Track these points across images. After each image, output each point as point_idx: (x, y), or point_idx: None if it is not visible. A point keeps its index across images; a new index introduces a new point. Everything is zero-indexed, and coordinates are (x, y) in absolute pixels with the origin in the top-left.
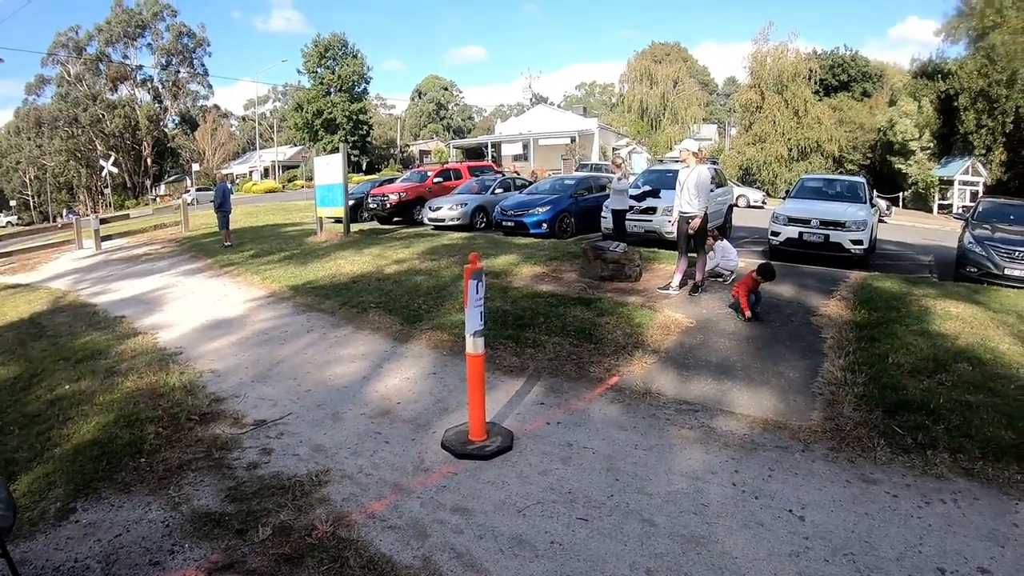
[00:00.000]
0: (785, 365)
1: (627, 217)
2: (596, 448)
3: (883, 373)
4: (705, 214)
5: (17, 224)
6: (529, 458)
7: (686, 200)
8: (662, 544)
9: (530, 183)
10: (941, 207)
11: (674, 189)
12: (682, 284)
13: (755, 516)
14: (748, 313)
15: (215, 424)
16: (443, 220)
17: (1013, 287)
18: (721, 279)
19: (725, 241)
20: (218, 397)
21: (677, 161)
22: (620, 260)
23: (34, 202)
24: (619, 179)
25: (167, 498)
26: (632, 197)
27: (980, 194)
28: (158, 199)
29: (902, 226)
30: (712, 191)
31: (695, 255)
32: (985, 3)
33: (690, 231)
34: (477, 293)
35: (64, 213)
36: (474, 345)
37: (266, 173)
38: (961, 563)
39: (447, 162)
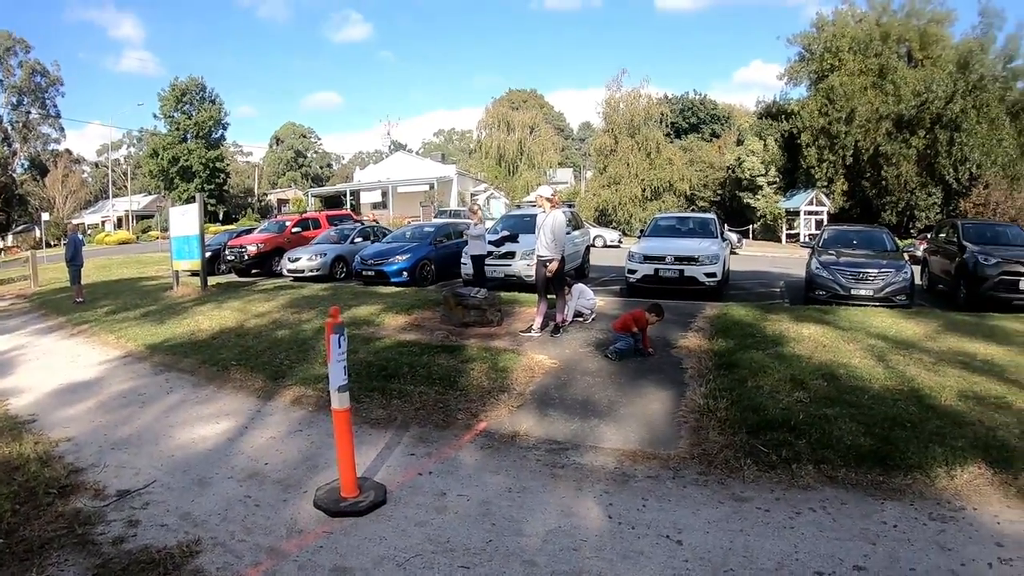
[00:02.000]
0: (649, 397)
1: (486, 262)
2: (470, 495)
3: (744, 396)
4: (562, 257)
5: None
6: (404, 510)
7: (543, 244)
8: None
9: (389, 231)
10: (789, 236)
11: (532, 233)
12: (543, 326)
13: (634, 546)
14: (651, 350)
15: (76, 497)
16: (303, 271)
17: (860, 306)
18: (581, 319)
19: (580, 284)
20: (77, 467)
21: (534, 206)
22: (481, 305)
23: None
24: (475, 225)
25: None
26: (491, 242)
27: (824, 222)
28: (3, 251)
29: (753, 256)
30: (569, 233)
31: (554, 297)
32: (825, 48)
33: (548, 274)
34: (340, 347)
35: None
36: (339, 400)
37: (120, 223)
38: (837, 564)
39: (305, 211)
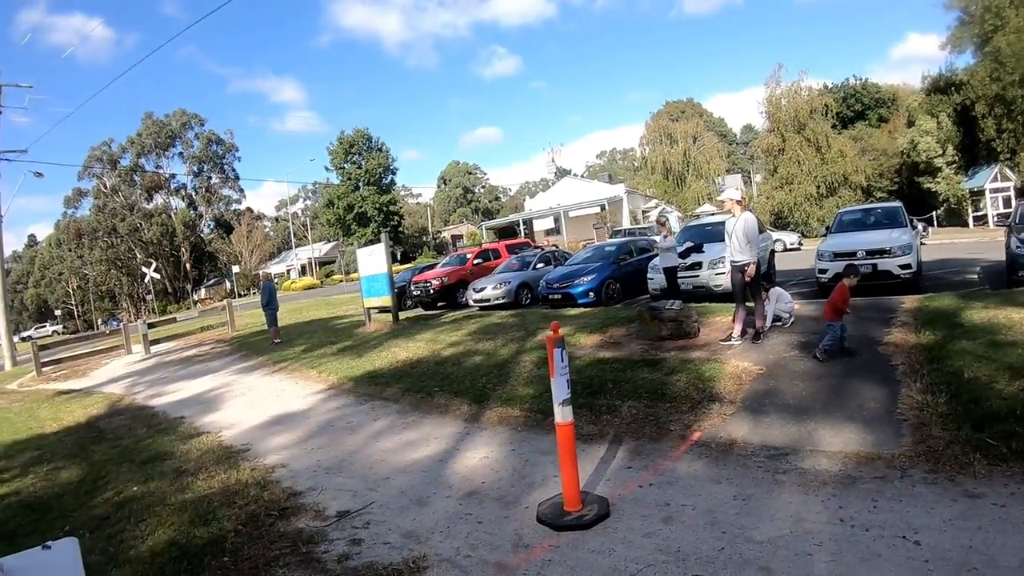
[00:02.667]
0: (863, 397)
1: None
2: (694, 504)
3: (963, 389)
4: (758, 260)
5: (63, 332)
6: (629, 522)
7: (736, 249)
8: None
9: (570, 255)
10: (976, 219)
11: (715, 242)
12: (743, 334)
13: (870, 548)
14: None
15: (296, 518)
16: (488, 300)
17: None
18: (780, 323)
19: (777, 288)
20: (294, 491)
21: (712, 215)
22: (678, 318)
23: (78, 311)
24: (664, 238)
25: None
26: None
27: (1012, 199)
28: (199, 303)
29: (942, 244)
30: None
31: (752, 304)
32: (984, 8)
33: (747, 279)
34: (562, 361)
35: (107, 320)
36: (563, 414)
37: (303, 270)
38: None
39: (482, 244)
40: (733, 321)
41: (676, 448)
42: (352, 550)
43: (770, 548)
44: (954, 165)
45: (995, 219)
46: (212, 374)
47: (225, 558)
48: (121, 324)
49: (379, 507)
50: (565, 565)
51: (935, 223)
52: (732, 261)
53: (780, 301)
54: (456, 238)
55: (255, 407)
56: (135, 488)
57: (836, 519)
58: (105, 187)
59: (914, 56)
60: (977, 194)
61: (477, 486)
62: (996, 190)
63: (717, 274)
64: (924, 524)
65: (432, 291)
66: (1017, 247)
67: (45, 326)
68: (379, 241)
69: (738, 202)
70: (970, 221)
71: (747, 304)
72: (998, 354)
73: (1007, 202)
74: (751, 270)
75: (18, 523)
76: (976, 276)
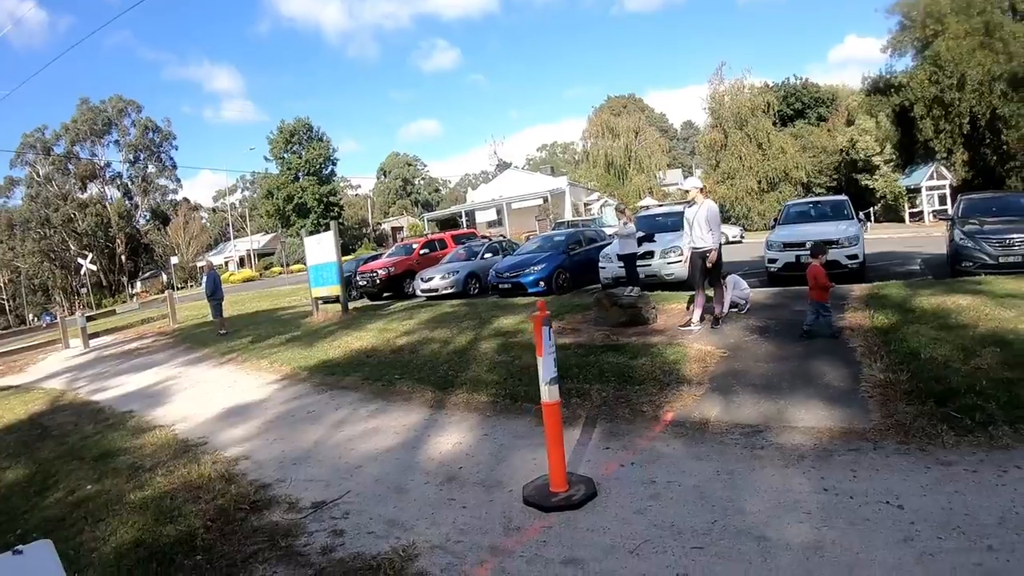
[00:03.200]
0: (827, 376)
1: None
2: (680, 481)
3: (922, 368)
4: (719, 245)
5: None
6: (618, 500)
7: (698, 235)
8: (784, 556)
9: (518, 245)
10: (912, 215)
11: (666, 232)
12: (701, 319)
13: (857, 513)
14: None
15: (269, 511)
16: (436, 290)
17: (1011, 273)
18: (736, 309)
19: (734, 275)
20: (262, 483)
21: (659, 206)
22: (636, 304)
23: (9, 305)
24: (624, 224)
25: None
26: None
27: (949, 196)
28: (136, 296)
29: (880, 239)
30: None
31: (711, 290)
32: (926, 14)
33: (708, 264)
34: (549, 340)
35: (41, 315)
36: (550, 393)
37: (242, 262)
38: None
39: (425, 235)
40: (691, 307)
41: (651, 428)
42: (335, 541)
43: (761, 519)
44: (892, 163)
45: (931, 215)
46: (157, 367)
47: (198, 556)
48: (56, 318)
49: (356, 496)
50: (562, 544)
51: (872, 218)
52: (694, 247)
53: (737, 288)
54: (396, 230)
55: (207, 399)
56: (89, 487)
57: (820, 489)
58: (38, 176)
59: (851, 58)
60: (914, 191)
61: (455, 472)
62: (932, 188)
63: (669, 263)
64: (904, 490)
65: (379, 281)
66: (960, 239)
67: None
68: (326, 230)
69: (701, 190)
70: (907, 217)
71: (705, 291)
72: (951, 336)
73: (942, 199)
74: (713, 256)
75: None
76: (918, 267)
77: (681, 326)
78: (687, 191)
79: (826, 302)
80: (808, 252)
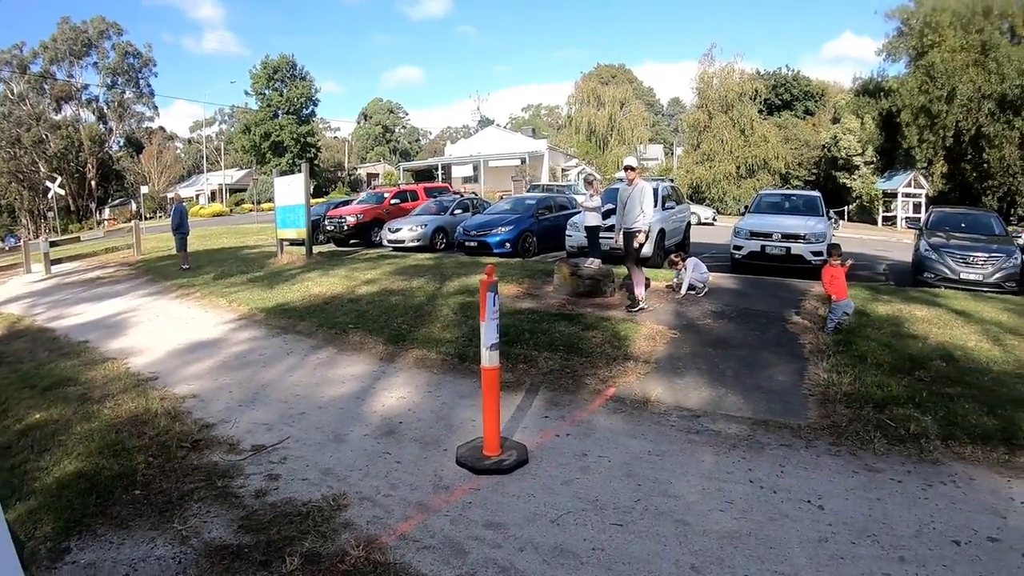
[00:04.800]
0: (773, 370)
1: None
2: (611, 457)
3: (866, 373)
4: (649, 228)
5: None
6: (548, 470)
7: (630, 216)
8: (699, 541)
9: (489, 204)
10: (885, 219)
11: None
12: (632, 301)
13: (778, 508)
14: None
15: (210, 451)
16: (403, 241)
17: (969, 290)
18: (694, 292)
19: (694, 258)
20: (207, 423)
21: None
22: (596, 276)
23: None
24: (590, 196)
25: (173, 532)
26: None
27: (922, 205)
28: (104, 223)
29: (850, 238)
30: (672, 208)
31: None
32: (924, 23)
33: (635, 244)
34: (494, 306)
35: (5, 237)
36: (490, 358)
37: (213, 196)
38: (972, 535)
39: (399, 184)
40: (634, 288)
41: (592, 401)
42: (269, 485)
43: (684, 503)
44: (872, 165)
45: (904, 222)
46: (118, 297)
47: (137, 491)
48: (19, 241)
49: (296, 442)
50: (486, 508)
51: (846, 217)
52: (624, 228)
53: (696, 270)
54: (372, 176)
55: (163, 334)
56: (37, 415)
57: (746, 480)
58: (12, 94)
59: (846, 55)
60: (890, 196)
61: (395, 426)
62: (908, 195)
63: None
64: (828, 491)
65: (347, 228)
66: (925, 250)
67: None
68: (299, 171)
69: (635, 168)
70: (879, 220)
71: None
72: (900, 344)
73: (917, 207)
74: (640, 238)
75: None
76: (882, 272)
77: (629, 306)
78: (626, 168)
79: (842, 300)
80: (774, 243)
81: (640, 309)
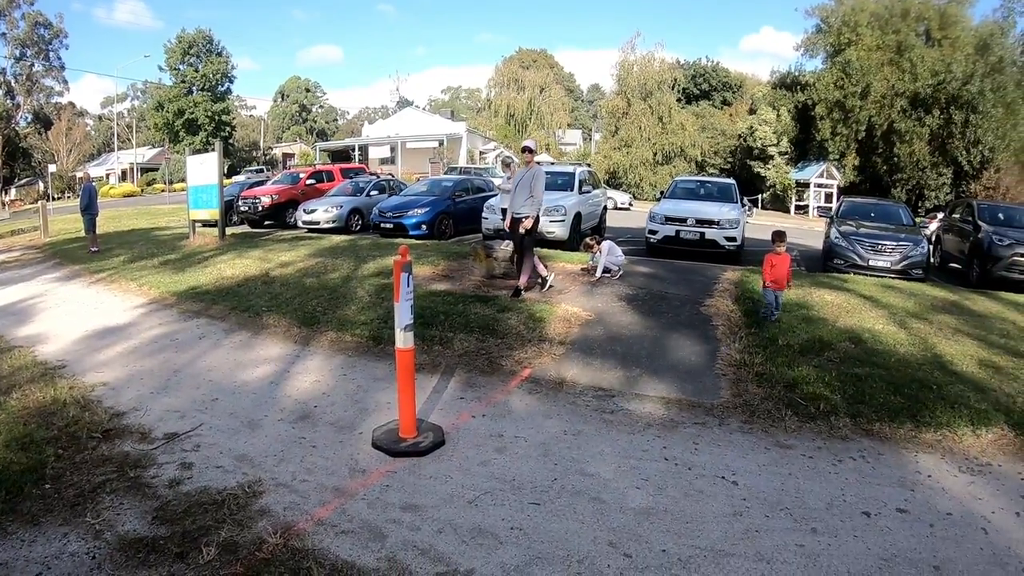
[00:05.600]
0: (685, 351)
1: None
2: (527, 437)
3: (777, 354)
4: (538, 215)
5: None
6: (464, 451)
7: (519, 201)
8: (616, 518)
9: (405, 185)
10: (798, 207)
11: (553, 191)
12: (546, 276)
13: (693, 485)
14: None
15: (121, 441)
16: (318, 223)
17: (877, 276)
18: (609, 275)
19: (609, 241)
20: (118, 411)
21: (552, 163)
22: (511, 258)
23: None
24: (508, 179)
25: (86, 526)
26: None
27: (834, 196)
28: (9, 204)
29: (763, 225)
30: (589, 192)
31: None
32: (843, 22)
33: (522, 230)
34: (408, 286)
35: None
36: (404, 340)
37: (124, 176)
38: (881, 507)
39: (314, 164)
40: (522, 273)
41: (508, 383)
42: (183, 474)
43: (600, 481)
44: (786, 156)
45: (816, 211)
46: (24, 283)
47: (47, 485)
48: None
49: (209, 429)
50: (403, 490)
51: (759, 205)
52: (514, 212)
53: (611, 254)
54: (288, 156)
55: (71, 320)
56: None
57: (661, 458)
58: None
59: (763, 50)
60: (802, 186)
61: (310, 410)
62: (820, 185)
63: (551, 221)
64: (741, 467)
65: (261, 208)
66: (836, 238)
67: None
68: (212, 150)
69: (531, 151)
70: (792, 209)
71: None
72: (810, 327)
73: (828, 197)
74: (528, 223)
75: None
76: (795, 258)
77: (540, 289)
78: (523, 150)
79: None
80: (688, 228)
81: (517, 294)
